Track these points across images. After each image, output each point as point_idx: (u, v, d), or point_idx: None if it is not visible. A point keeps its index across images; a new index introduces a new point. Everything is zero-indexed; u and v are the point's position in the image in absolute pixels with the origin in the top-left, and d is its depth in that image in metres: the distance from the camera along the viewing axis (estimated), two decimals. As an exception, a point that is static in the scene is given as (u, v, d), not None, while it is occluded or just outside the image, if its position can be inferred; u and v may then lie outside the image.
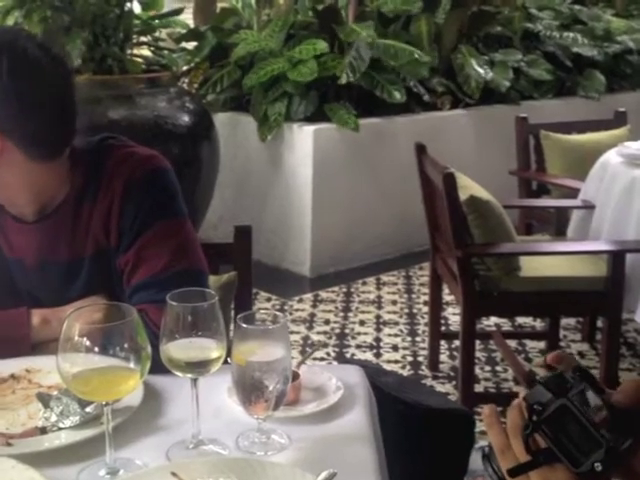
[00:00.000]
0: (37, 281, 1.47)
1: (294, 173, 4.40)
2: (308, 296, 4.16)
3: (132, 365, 1.04)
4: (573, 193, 3.42)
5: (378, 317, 3.88)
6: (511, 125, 3.99)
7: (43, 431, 1.15)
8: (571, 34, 5.42)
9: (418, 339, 3.61)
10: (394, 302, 4.07)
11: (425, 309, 3.92)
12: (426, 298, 4.05)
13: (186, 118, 4.02)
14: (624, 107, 4.11)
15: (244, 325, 1.10)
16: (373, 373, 1.45)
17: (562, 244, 3.01)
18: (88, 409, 1.16)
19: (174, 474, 1.02)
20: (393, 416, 1.39)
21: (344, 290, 4.23)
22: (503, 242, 2.72)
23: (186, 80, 4.84)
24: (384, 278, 4.41)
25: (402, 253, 4.67)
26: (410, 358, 3.42)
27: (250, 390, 1.10)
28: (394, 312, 3.95)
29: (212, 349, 1.10)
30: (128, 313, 1.05)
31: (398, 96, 4.39)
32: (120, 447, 1.11)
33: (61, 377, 1.05)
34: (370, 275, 4.42)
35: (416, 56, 4.47)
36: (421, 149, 3.05)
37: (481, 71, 4.82)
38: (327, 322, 3.81)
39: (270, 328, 1.12)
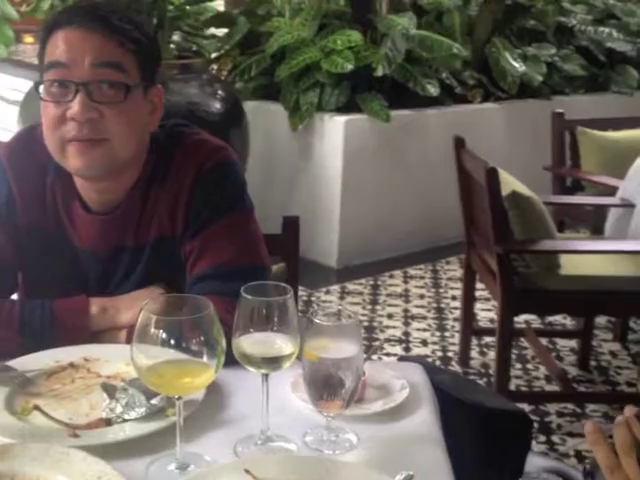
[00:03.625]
0: (107, 269, 1.45)
1: (324, 163, 4.37)
2: (335, 288, 4.13)
3: (206, 359, 1.01)
4: (608, 191, 3.37)
5: (406, 311, 3.85)
6: (542, 120, 3.94)
7: (108, 422, 1.14)
8: (606, 29, 5.35)
9: (447, 334, 3.58)
10: (422, 296, 4.04)
11: (453, 304, 3.89)
12: (454, 293, 4.02)
13: (218, 105, 3.99)
14: (659, 104, 4.06)
15: (317, 321, 1.08)
16: (429, 371, 1.42)
17: (605, 242, 2.97)
18: (154, 401, 1.15)
19: (247, 471, 0.99)
20: (452, 416, 1.36)
21: (371, 282, 4.20)
22: (543, 239, 2.69)
23: (215, 67, 4.81)
24: (411, 271, 4.37)
25: (429, 246, 4.62)
26: (440, 353, 3.39)
27: (322, 387, 1.08)
28: (422, 306, 3.92)
29: (286, 345, 1.08)
30: (204, 306, 1.02)
31: (432, 90, 4.34)
32: (186, 441, 1.09)
33: (134, 368, 1.03)
34: (397, 268, 4.39)
35: (454, 50, 4.42)
36: (460, 142, 3.01)
37: (515, 65, 4.76)
38: (355, 315, 3.78)
39: (344, 324, 1.10)
